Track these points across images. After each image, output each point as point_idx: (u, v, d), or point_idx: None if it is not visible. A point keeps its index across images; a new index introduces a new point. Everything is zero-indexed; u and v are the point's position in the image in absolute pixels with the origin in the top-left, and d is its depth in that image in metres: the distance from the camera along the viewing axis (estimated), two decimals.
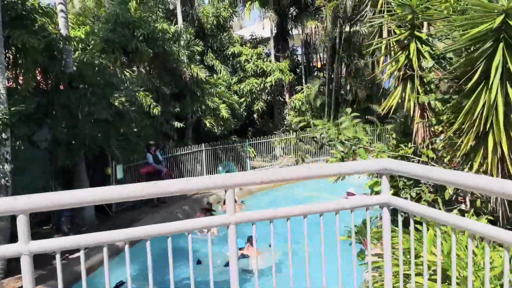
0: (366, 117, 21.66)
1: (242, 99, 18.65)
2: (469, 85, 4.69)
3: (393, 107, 6.43)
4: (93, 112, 10.13)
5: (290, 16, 22.25)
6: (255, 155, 19.46)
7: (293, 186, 16.75)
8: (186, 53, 15.32)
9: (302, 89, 21.16)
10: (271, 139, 19.56)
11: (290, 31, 22.52)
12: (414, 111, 5.95)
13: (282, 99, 22.75)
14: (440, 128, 6.02)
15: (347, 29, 20.80)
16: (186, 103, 16.31)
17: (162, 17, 15.61)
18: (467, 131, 4.88)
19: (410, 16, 5.56)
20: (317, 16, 20.11)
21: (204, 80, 16.06)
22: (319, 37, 19.42)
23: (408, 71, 5.71)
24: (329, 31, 18.82)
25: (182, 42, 15.55)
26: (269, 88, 18.96)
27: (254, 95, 18.71)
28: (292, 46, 23.25)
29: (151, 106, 13.69)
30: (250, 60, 18.87)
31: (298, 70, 23.03)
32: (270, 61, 19.62)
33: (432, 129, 5.88)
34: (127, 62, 14.21)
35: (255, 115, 22.50)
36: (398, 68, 5.84)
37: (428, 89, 5.77)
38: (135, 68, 14.33)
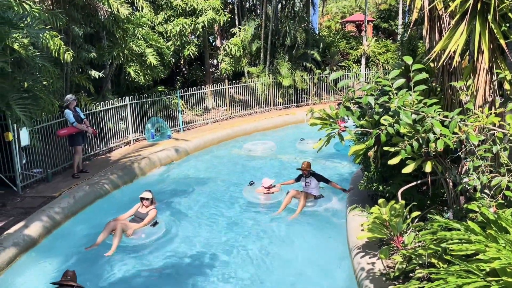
0: (304, 64, 20.10)
1: (170, 43, 15.84)
2: None
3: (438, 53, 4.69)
4: None
5: None
6: (185, 108, 17.08)
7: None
8: None
9: (238, 31, 18.72)
10: (205, 90, 17.18)
11: None
12: (478, 59, 4.27)
13: (214, 44, 20.22)
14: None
15: None
16: (104, 47, 13.27)
17: None
18: None
19: None
20: None
21: (125, 18, 13.04)
22: None
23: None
24: None
25: None
26: (200, 30, 16.28)
27: (184, 38, 15.94)
28: None
29: (61, 51, 10.63)
30: None
31: (226, 11, 20.43)
32: None
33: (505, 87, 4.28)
34: None
35: (181, 62, 19.73)
36: None
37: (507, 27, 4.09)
38: (36, 0, 10.96)
